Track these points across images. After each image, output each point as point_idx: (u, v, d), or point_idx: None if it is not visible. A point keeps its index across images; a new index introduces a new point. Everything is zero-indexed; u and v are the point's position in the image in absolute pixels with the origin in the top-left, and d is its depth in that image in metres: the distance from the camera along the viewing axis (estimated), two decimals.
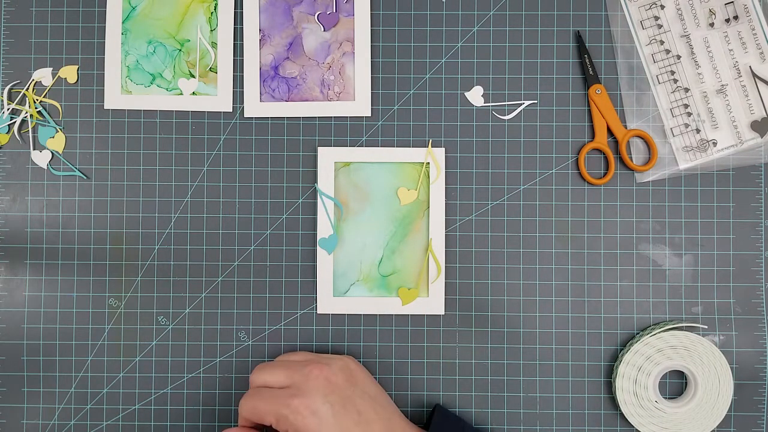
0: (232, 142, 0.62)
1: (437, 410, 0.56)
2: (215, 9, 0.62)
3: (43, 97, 0.62)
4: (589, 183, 0.61)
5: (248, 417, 0.51)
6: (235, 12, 0.62)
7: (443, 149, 0.61)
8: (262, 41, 0.62)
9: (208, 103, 0.62)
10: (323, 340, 0.61)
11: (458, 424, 0.56)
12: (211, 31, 0.62)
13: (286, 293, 0.61)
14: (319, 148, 0.61)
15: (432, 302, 0.60)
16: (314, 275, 0.61)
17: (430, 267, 0.60)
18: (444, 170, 0.61)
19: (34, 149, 0.62)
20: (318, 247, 0.61)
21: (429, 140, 0.61)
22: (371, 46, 0.62)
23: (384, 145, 0.62)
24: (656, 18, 0.62)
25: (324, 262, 0.61)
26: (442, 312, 0.60)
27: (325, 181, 0.61)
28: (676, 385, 0.61)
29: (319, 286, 0.61)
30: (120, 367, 0.61)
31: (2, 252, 0.62)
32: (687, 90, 0.61)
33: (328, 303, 0.61)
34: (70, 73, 0.62)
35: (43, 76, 0.62)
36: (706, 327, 0.60)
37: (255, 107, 0.61)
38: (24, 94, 0.62)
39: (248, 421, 0.52)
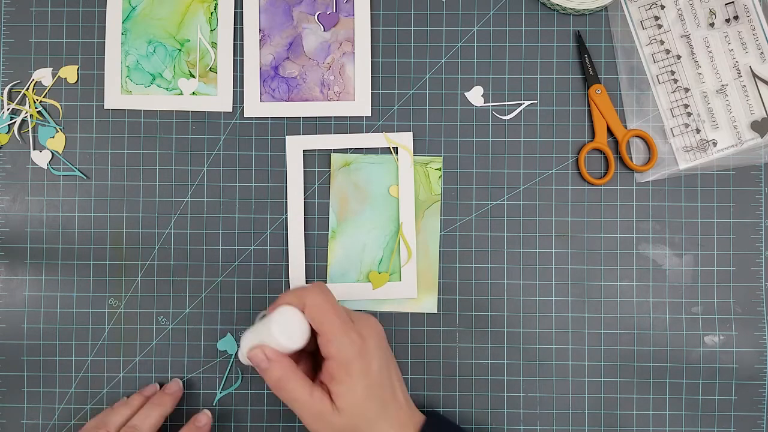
0: (232, 142, 0.62)
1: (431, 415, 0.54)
2: (215, 9, 0.62)
3: (43, 97, 0.62)
4: (589, 183, 0.61)
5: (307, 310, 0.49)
6: (235, 12, 0.62)
7: (410, 133, 0.61)
8: (262, 41, 0.62)
9: (208, 103, 0.62)
10: None
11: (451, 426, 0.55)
12: (211, 31, 0.62)
13: None
14: (287, 137, 0.61)
15: (404, 286, 0.60)
16: (314, 275, 0.61)
17: (401, 251, 0.60)
18: (412, 152, 0.61)
19: (34, 149, 0.62)
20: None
21: (384, 134, 0.61)
22: (371, 46, 0.62)
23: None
24: (656, 18, 0.62)
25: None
26: (415, 295, 0.60)
27: (293, 169, 0.61)
28: None
29: None
30: (120, 367, 0.61)
31: (2, 252, 0.61)
32: (687, 90, 0.61)
33: None
34: (70, 73, 0.62)
35: (43, 76, 0.62)
36: None
37: (255, 107, 0.61)
38: (24, 94, 0.62)
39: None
